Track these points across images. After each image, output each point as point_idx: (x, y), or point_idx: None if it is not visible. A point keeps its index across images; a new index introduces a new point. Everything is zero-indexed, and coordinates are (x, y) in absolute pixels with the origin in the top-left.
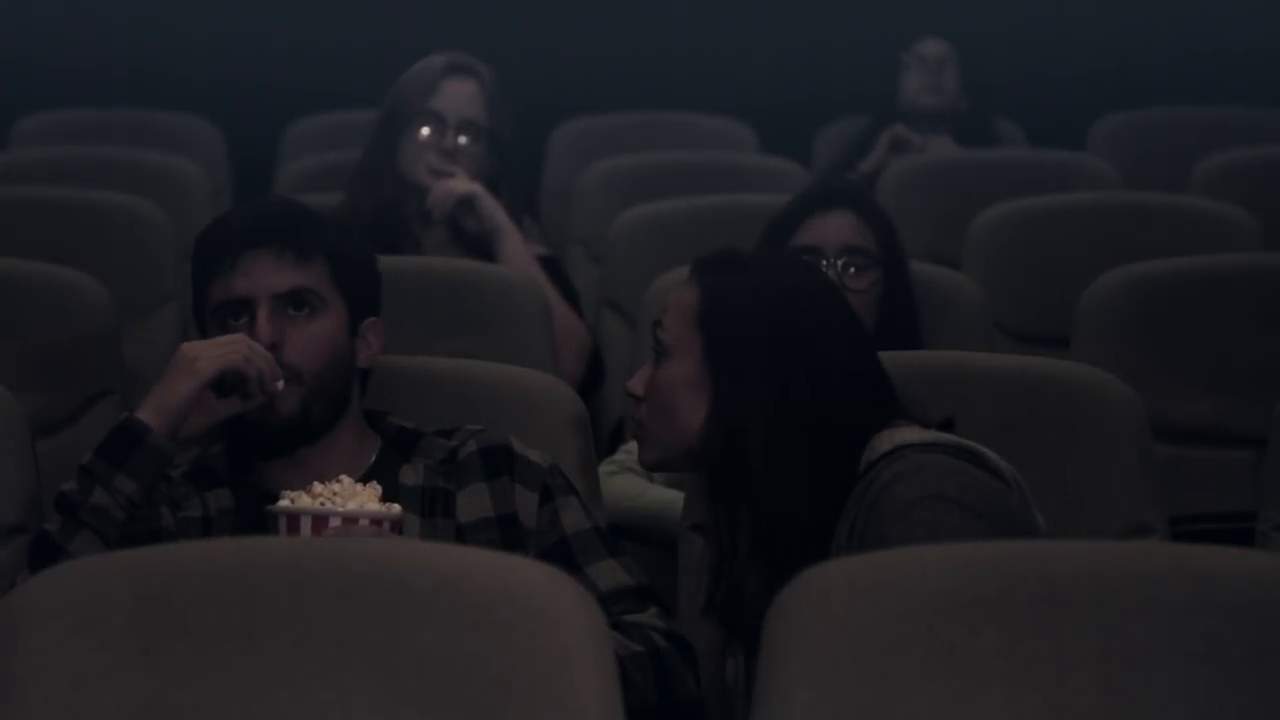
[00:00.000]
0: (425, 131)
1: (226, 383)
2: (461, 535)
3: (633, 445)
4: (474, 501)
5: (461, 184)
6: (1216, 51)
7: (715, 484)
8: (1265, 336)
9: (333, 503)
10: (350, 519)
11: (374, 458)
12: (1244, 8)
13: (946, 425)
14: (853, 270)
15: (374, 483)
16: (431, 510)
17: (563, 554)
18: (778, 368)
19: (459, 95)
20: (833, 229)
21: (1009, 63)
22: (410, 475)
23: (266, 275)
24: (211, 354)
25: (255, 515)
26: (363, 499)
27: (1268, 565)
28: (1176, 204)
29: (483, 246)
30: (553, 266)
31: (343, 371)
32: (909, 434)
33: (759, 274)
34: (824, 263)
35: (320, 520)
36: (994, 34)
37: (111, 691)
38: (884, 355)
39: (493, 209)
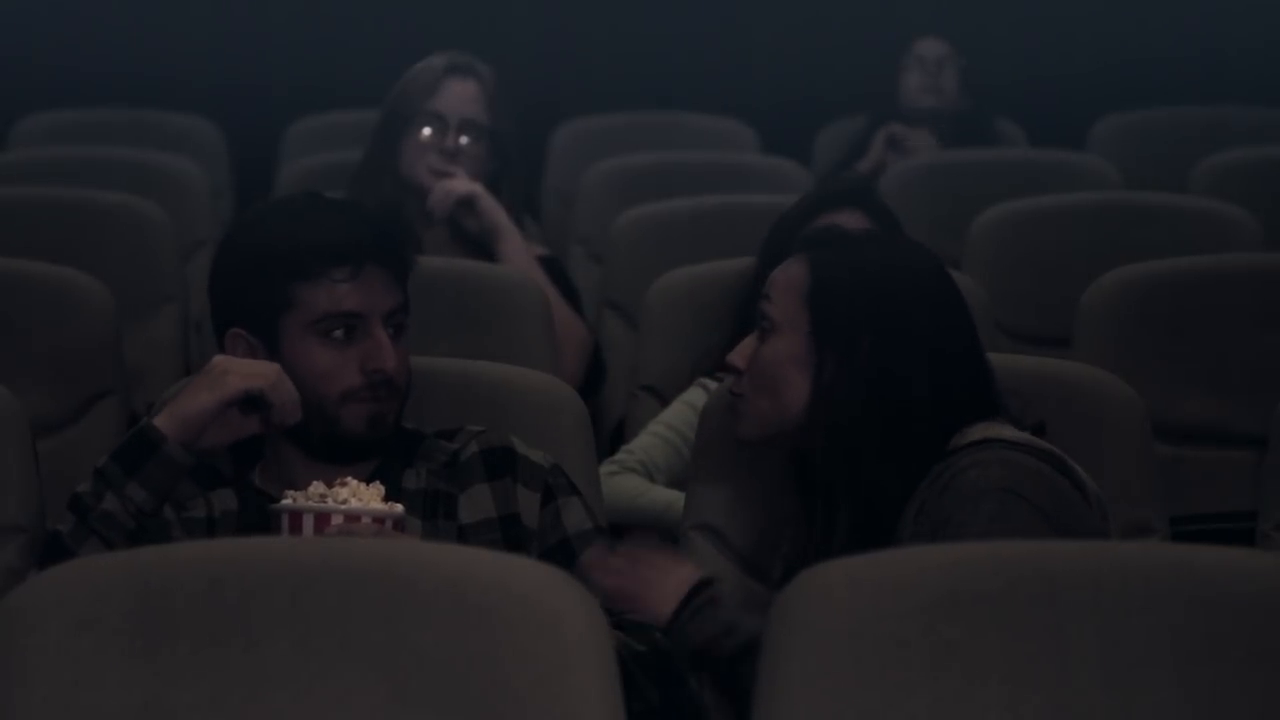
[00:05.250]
0: (426, 132)
1: (251, 402)
2: (463, 536)
3: (634, 445)
4: (476, 502)
5: (462, 184)
6: (1216, 51)
7: (813, 462)
8: (1265, 336)
9: (335, 502)
10: (353, 517)
11: (377, 463)
12: (1244, 8)
13: (1039, 429)
14: None
15: (377, 482)
16: (433, 513)
17: (565, 554)
18: (883, 346)
19: (460, 95)
20: None
21: (1009, 63)
22: (412, 479)
23: (383, 293)
24: (242, 371)
25: (259, 517)
26: (366, 498)
27: (1268, 565)
28: (1176, 204)
29: (483, 246)
30: (553, 266)
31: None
32: (1001, 430)
33: (869, 252)
34: None
35: (323, 518)
36: (994, 34)
37: (111, 691)
38: None
39: (493, 209)
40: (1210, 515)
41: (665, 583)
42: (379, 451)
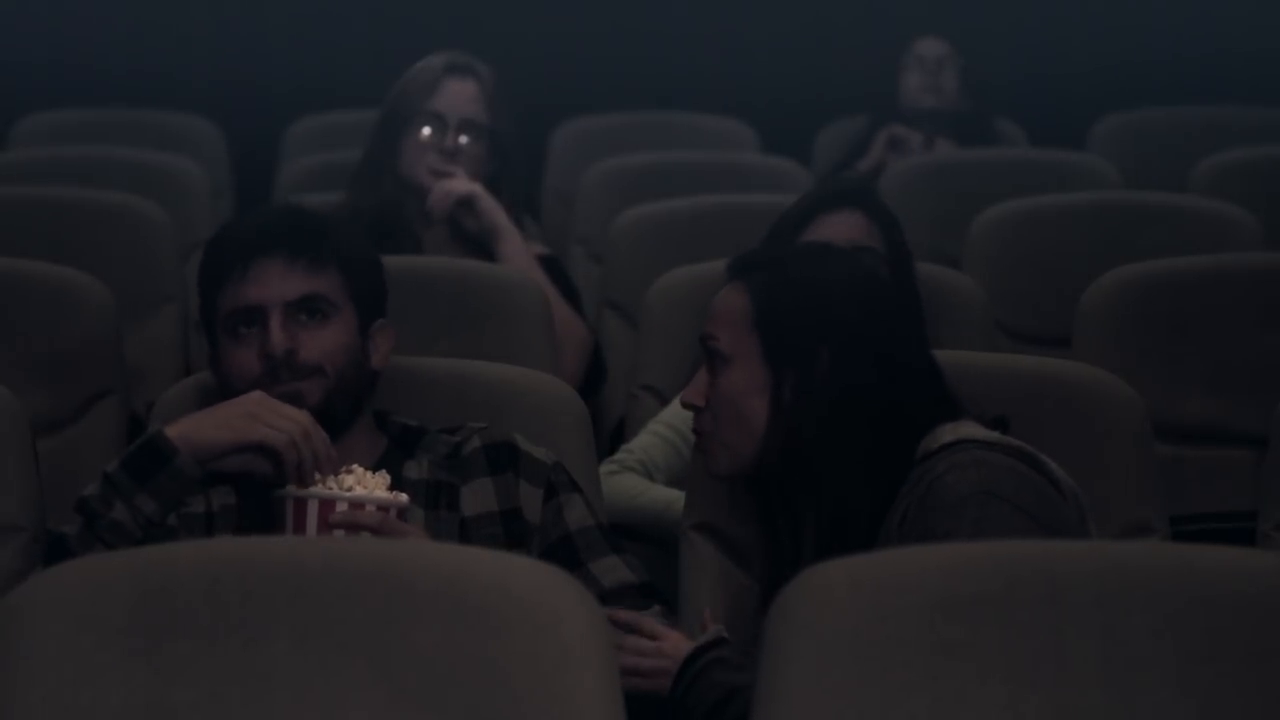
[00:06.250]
0: (426, 132)
1: (268, 450)
2: (465, 528)
3: (633, 445)
4: (478, 495)
5: (461, 184)
6: (1216, 51)
7: (780, 482)
8: (1265, 336)
9: (340, 489)
10: (357, 504)
11: (379, 456)
12: (1244, 8)
13: (1001, 423)
14: None
15: (383, 471)
16: (435, 503)
17: (566, 550)
18: (837, 358)
19: (459, 95)
20: (840, 229)
21: (1009, 63)
22: (414, 470)
23: (278, 283)
24: (267, 421)
25: (259, 512)
26: (371, 486)
27: (1268, 565)
28: (1176, 204)
29: (483, 246)
30: (553, 266)
31: (359, 372)
32: (972, 430)
33: (801, 269)
34: None
35: (327, 504)
36: (994, 34)
37: (111, 691)
38: None
39: (492, 209)
40: (1210, 515)
41: (658, 662)
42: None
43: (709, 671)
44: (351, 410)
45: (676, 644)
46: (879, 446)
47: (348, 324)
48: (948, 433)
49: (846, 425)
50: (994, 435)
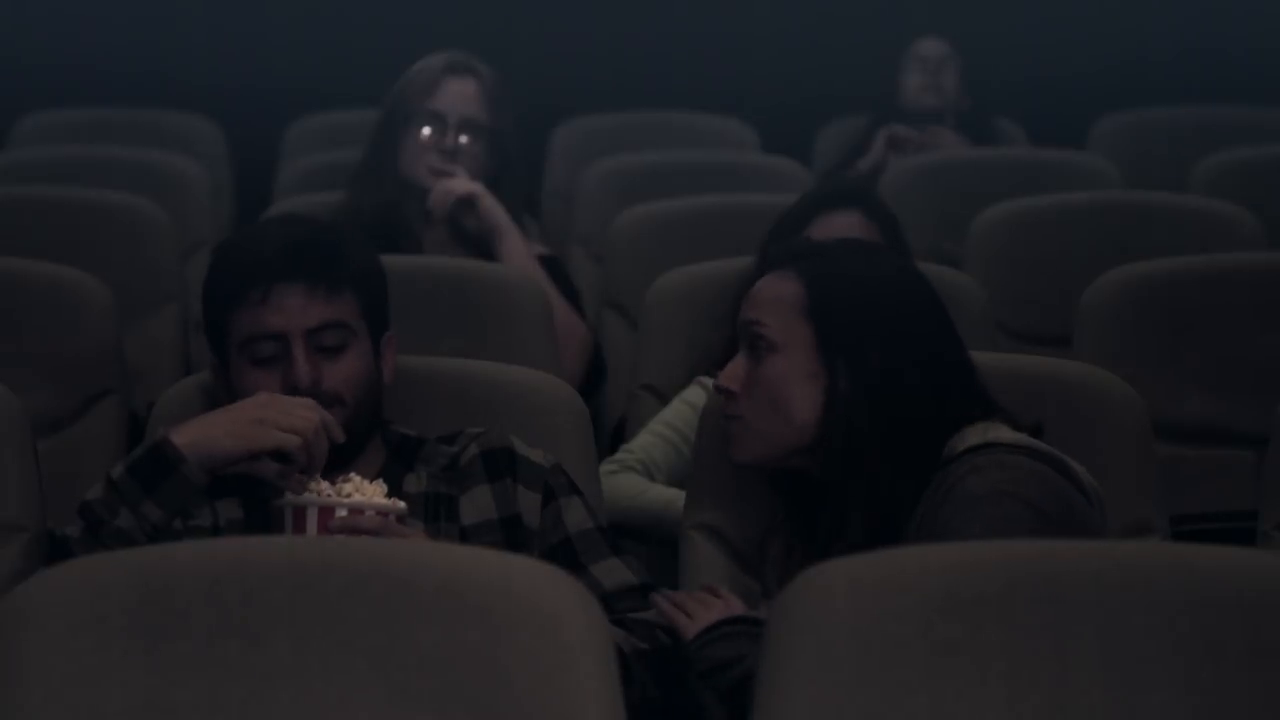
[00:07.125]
0: (426, 131)
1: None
2: (465, 538)
3: (633, 445)
4: (477, 504)
5: (462, 183)
6: (1216, 51)
7: (822, 474)
8: (1265, 336)
9: (340, 497)
10: (356, 510)
11: (379, 469)
12: (1244, 8)
13: (1036, 430)
14: None
15: (380, 480)
16: (435, 516)
17: (566, 553)
18: (888, 352)
19: (459, 94)
20: (839, 228)
21: (1009, 63)
22: (414, 483)
23: (300, 311)
24: (278, 424)
25: (264, 526)
26: (369, 494)
27: (1268, 565)
28: (1176, 204)
29: (483, 246)
30: (553, 266)
31: (376, 392)
32: (1001, 433)
33: (856, 261)
34: None
35: (326, 512)
36: (994, 34)
37: (111, 691)
38: None
39: (493, 208)
40: (1210, 515)
41: (706, 612)
42: (338, 459)
43: (733, 637)
44: (367, 433)
45: (732, 607)
46: (917, 442)
47: (363, 349)
48: (975, 434)
49: (893, 418)
50: (1020, 438)
